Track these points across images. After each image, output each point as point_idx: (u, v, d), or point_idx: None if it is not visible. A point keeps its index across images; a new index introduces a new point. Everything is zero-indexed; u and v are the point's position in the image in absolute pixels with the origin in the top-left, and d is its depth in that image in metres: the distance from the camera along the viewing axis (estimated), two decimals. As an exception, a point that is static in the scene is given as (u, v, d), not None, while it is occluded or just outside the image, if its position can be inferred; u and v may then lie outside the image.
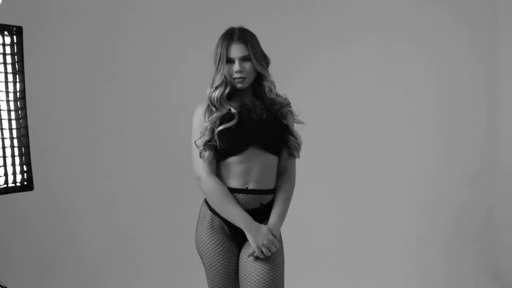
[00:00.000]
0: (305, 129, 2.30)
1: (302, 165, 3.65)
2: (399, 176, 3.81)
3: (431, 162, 3.82)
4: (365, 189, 3.80)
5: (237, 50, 2.15)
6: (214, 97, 2.17)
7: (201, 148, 2.14)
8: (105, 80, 3.71)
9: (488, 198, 3.82)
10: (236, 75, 2.16)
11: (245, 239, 2.17)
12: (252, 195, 2.16)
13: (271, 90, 2.22)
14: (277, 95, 2.25)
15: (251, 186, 2.16)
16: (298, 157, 2.27)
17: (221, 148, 2.12)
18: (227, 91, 2.17)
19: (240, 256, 2.17)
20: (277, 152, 2.21)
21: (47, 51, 3.62)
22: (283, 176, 2.26)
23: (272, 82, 2.22)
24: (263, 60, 2.19)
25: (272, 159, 2.20)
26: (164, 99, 3.74)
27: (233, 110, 2.14)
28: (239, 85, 2.18)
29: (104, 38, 3.70)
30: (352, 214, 3.80)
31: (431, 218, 3.81)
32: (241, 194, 2.15)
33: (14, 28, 1.74)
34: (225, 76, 2.17)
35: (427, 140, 3.81)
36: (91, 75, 3.69)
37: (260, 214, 2.18)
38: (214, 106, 2.16)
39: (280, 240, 2.22)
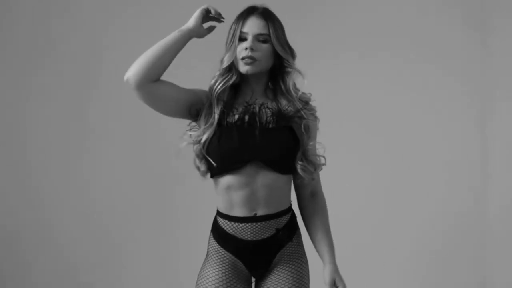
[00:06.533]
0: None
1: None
2: (404, 182, 3.54)
3: (438, 169, 3.54)
4: (372, 193, 3.54)
5: (254, 26, 1.72)
6: (215, 87, 1.75)
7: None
8: (89, 84, 3.50)
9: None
10: (244, 54, 1.71)
11: (265, 272, 1.82)
12: (263, 222, 1.76)
13: (295, 86, 1.79)
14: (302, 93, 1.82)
15: (260, 212, 1.76)
16: (313, 179, 1.85)
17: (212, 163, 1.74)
18: (232, 80, 1.75)
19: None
20: (285, 171, 1.79)
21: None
22: (314, 198, 1.89)
23: (297, 72, 1.78)
24: (287, 47, 1.76)
25: (281, 178, 1.78)
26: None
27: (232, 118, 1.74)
28: (245, 68, 1.72)
29: (90, 39, 3.48)
30: (354, 217, 3.52)
31: (440, 225, 3.55)
32: (250, 224, 1.75)
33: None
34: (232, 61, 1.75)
35: (434, 145, 3.53)
36: (74, 78, 3.49)
37: (277, 241, 1.80)
38: (216, 99, 1.74)
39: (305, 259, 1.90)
